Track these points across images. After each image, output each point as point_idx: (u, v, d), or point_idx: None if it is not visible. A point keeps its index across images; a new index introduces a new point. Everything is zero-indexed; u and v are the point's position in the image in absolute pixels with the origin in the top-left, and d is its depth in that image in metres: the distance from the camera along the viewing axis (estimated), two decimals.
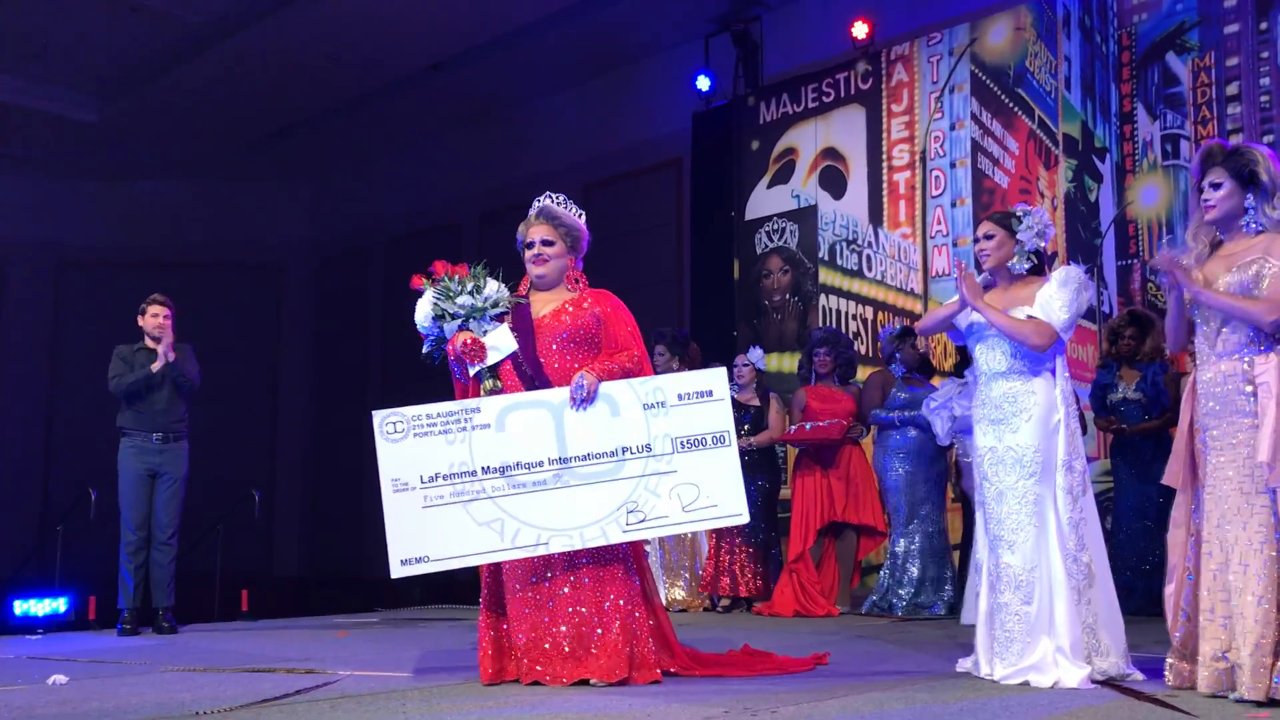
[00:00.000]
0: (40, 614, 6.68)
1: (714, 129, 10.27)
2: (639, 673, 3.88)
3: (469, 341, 4.00)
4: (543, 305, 4.18)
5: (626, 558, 4.04)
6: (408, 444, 3.96)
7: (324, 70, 11.58)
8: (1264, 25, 7.20)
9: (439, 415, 3.99)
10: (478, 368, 4.05)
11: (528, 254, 4.19)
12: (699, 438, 3.99)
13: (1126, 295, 7.58)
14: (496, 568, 4.04)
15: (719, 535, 7.29)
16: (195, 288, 12.99)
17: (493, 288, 4.09)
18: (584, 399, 3.95)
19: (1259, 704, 3.26)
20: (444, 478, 3.92)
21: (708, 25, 10.37)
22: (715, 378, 4.11)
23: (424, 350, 4.20)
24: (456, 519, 3.90)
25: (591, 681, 3.80)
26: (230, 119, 12.79)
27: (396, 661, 4.58)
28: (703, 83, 10.27)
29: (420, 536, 3.89)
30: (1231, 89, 7.32)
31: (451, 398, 4.16)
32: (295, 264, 15.18)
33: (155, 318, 6.33)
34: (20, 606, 6.68)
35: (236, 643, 5.49)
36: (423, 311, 4.13)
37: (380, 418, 3.99)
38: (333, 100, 12.50)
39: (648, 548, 5.96)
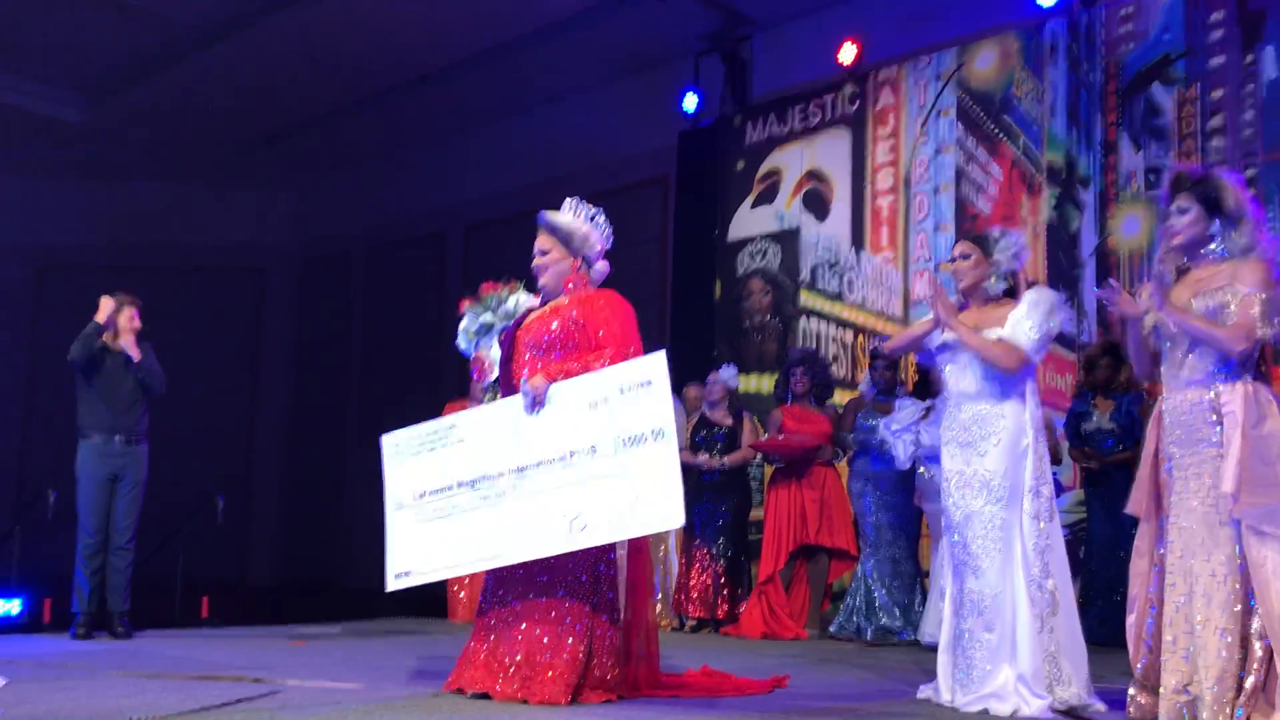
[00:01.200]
0: None
1: (700, 148, 10.24)
2: (593, 692, 3.79)
3: (475, 358, 4.06)
4: (533, 314, 4.16)
5: (599, 578, 3.93)
6: (405, 464, 4.07)
7: (312, 77, 11.54)
8: (1249, 59, 7.20)
9: (428, 434, 4.06)
10: (486, 383, 4.22)
11: (532, 265, 4.20)
12: (640, 435, 3.67)
13: (1106, 325, 7.54)
14: (488, 581, 4.01)
15: (688, 554, 7.22)
16: (177, 291, 12.93)
17: (512, 302, 4.13)
18: (532, 403, 3.86)
19: None
20: (430, 494, 3.99)
21: (698, 44, 10.35)
22: (653, 366, 3.73)
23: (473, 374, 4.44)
24: (438, 533, 3.96)
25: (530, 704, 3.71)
26: (217, 123, 12.73)
27: (348, 673, 4.49)
28: (690, 101, 10.25)
29: (410, 551, 4.00)
30: (1216, 121, 7.31)
31: None
32: (278, 270, 15.10)
33: (133, 321, 6.25)
34: None
35: (189, 650, 5.39)
36: (459, 333, 4.30)
37: (387, 441, 4.13)
38: (320, 107, 12.46)
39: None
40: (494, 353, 4.22)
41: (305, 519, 14.38)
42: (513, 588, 3.91)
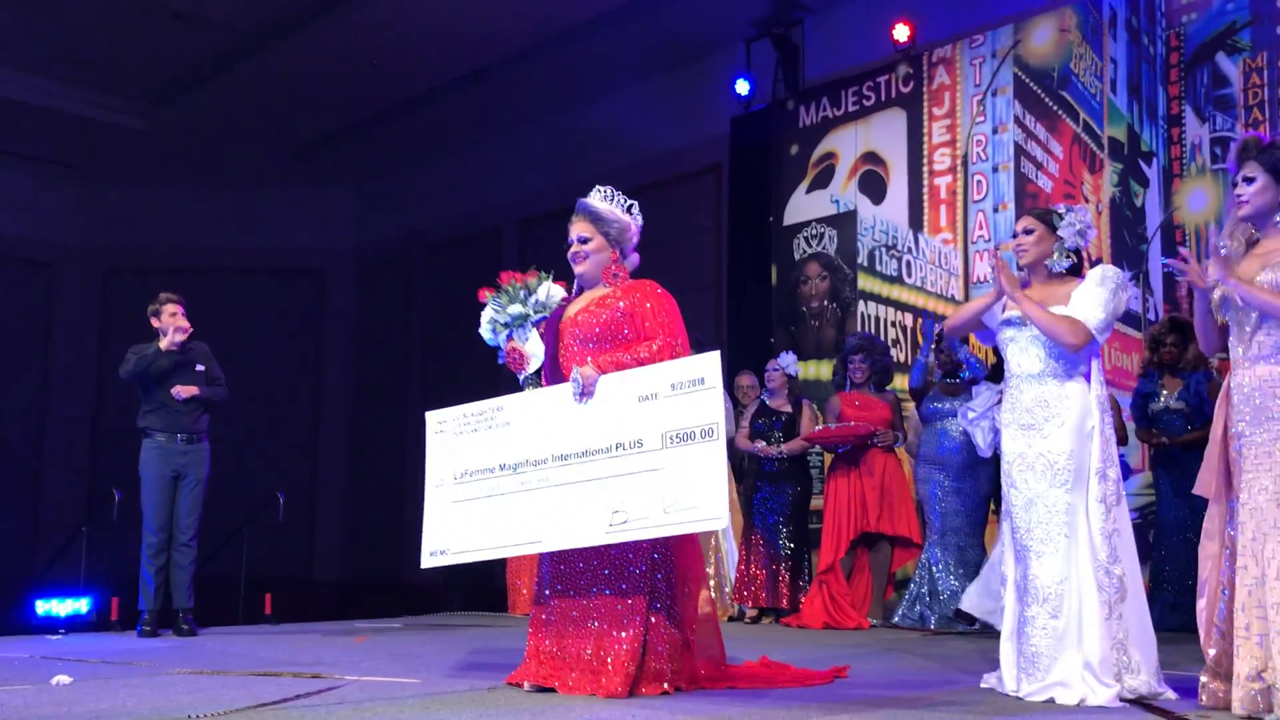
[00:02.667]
0: (62, 614, 6.69)
1: (753, 133, 10.16)
2: (651, 684, 3.77)
3: (510, 350, 4.02)
4: (576, 305, 4.10)
5: (654, 568, 3.90)
6: (449, 442, 4.08)
7: (366, 78, 11.63)
8: None
9: (473, 414, 4.06)
10: (523, 375, 4.07)
11: (569, 252, 4.12)
12: (688, 432, 3.63)
13: (1173, 302, 7.35)
14: (546, 574, 3.97)
15: (748, 544, 7.16)
16: (240, 293, 13.14)
17: (543, 292, 4.07)
18: (581, 393, 3.83)
19: None
20: (470, 474, 3.99)
21: (749, 29, 10.27)
22: (708, 364, 3.70)
23: (500, 361, 4.25)
24: (476, 515, 3.96)
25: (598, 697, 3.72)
26: (275, 126, 12.90)
27: (407, 668, 4.51)
28: (742, 87, 10.17)
29: (446, 531, 4.01)
30: None
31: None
32: (338, 270, 15.27)
33: (176, 316, 6.31)
34: (42, 606, 6.69)
35: (252, 646, 5.45)
36: (484, 324, 4.15)
37: (431, 418, 4.13)
38: (376, 107, 12.56)
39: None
40: (531, 344, 4.11)
41: (369, 516, 14.54)
42: (573, 581, 3.90)
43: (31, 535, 13.41)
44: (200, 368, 6.35)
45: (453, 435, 4.06)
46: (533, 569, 7.56)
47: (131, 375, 6.21)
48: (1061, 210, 4.07)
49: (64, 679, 3.99)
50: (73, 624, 6.72)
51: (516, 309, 4.11)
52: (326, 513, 14.68)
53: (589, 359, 3.92)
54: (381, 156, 14.03)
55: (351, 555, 14.70)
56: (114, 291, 14.43)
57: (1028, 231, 4.06)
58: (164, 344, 6.22)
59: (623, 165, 11.66)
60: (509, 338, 4.13)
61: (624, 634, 3.77)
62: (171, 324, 6.26)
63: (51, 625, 6.64)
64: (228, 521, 8.80)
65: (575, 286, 4.18)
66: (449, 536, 3.99)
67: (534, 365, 4.07)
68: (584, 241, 4.06)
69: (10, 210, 13.49)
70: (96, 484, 13.51)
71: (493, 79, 11.76)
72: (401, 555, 14.04)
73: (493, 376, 13.19)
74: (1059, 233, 4.02)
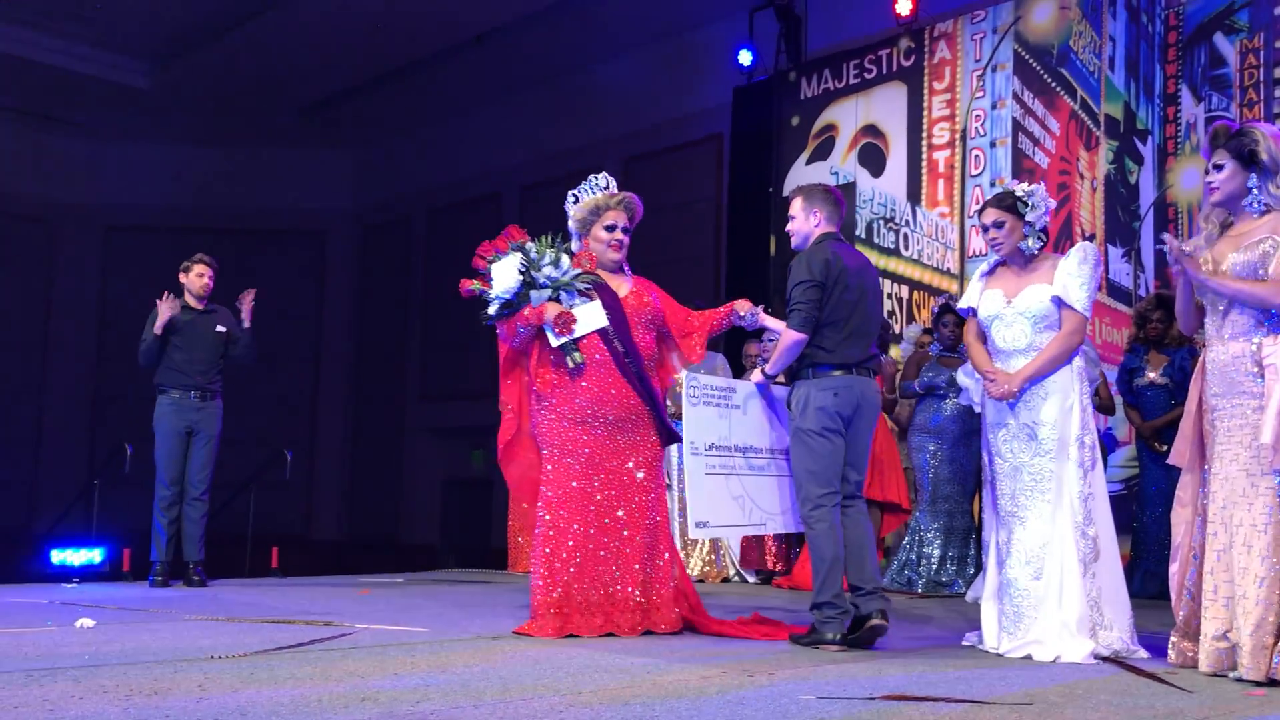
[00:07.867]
0: (76, 564, 6.86)
1: (755, 104, 10.24)
2: (656, 624, 4.24)
3: (564, 314, 4.13)
4: (616, 287, 4.35)
5: (666, 516, 4.35)
6: (700, 410, 4.20)
7: (370, 40, 11.70)
8: None
9: (714, 388, 4.29)
10: (563, 340, 4.16)
11: (608, 235, 4.37)
12: None
13: (1164, 279, 7.50)
14: (590, 528, 4.18)
15: None
16: (240, 253, 13.21)
17: (567, 263, 4.21)
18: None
19: (1258, 683, 3.27)
20: (715, 449, 4.20)
21: (751, 0, 10.34)
22: None
23: (491, 312, 4.28)
24: (722, 489, 4.18)
25: (658, 631, 4.19)
26: (277, 86, 12.95)
27: (414, 618, 4.67)
28: (744, 57, 10.25)
29: (706, 501, 4.14)
30: None
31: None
32: (338, 231, 15.36)
33: (201, 277, 6.49)
34: (57, 556, 6.87)
35: (262, 597, 5.62)
36: (510, 275, 4.19)
37: (685, 380, 4.23)
38: (378, 69, 12.63)
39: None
40: (583, 313, 4.16)
41: (368, 476, 14.70)
42: (618, 529, 4.18)
43: (32, 488, 13.59)
44: (221, 328, 6.53)
45: (701, 405, 4.21)
46: (532, 525, 7.75)
47: (142, 358, 6.39)
48: (1022, 194, 4.14)
49: (87, 622, 4.16)
50: (86, 573, 6.89)
51: (551, 272, 4.18)
52: (325, 472, 14.86)
53: (646, 339, 4.32)
54: (383, 119, 14.09)
55: (349, 515, 14.89)
56: (114, 249, 14.53)
57: (998, 225, 4.13)
58: (159, 322, 6.34)
59: (625, 132, 11.77)
60: (555, 299, 4.19)
61: (670, 574, 4.26)
62: (197, 283, 6.46)
63: (66, 574, 6.81)
64: (229, 478, 9.00)
65: (595, 265, 4.32)
66: (710, 508, 4.13)
67: (579, 331, 4.17)
68: (626, 231, 4.42)
69: (11, 165, 13.57)
70: (98, 438, 13.67)
71: (495, 44, 11.82)
72: (398, 515, 14.22)
73: (491, 341, 13.28)
74: (1026, 219, 4.12)
